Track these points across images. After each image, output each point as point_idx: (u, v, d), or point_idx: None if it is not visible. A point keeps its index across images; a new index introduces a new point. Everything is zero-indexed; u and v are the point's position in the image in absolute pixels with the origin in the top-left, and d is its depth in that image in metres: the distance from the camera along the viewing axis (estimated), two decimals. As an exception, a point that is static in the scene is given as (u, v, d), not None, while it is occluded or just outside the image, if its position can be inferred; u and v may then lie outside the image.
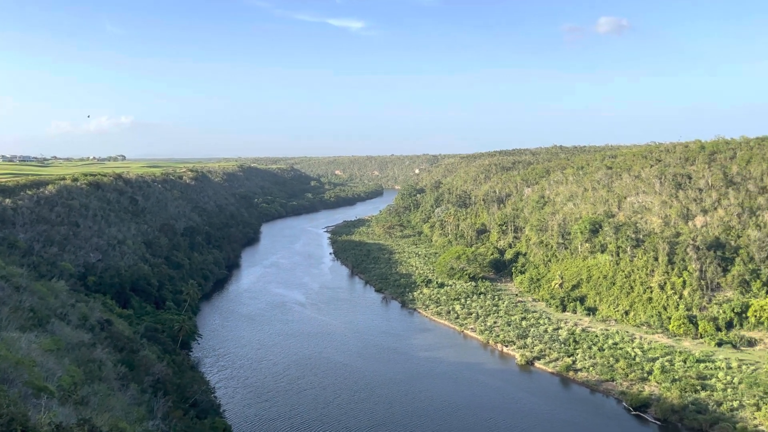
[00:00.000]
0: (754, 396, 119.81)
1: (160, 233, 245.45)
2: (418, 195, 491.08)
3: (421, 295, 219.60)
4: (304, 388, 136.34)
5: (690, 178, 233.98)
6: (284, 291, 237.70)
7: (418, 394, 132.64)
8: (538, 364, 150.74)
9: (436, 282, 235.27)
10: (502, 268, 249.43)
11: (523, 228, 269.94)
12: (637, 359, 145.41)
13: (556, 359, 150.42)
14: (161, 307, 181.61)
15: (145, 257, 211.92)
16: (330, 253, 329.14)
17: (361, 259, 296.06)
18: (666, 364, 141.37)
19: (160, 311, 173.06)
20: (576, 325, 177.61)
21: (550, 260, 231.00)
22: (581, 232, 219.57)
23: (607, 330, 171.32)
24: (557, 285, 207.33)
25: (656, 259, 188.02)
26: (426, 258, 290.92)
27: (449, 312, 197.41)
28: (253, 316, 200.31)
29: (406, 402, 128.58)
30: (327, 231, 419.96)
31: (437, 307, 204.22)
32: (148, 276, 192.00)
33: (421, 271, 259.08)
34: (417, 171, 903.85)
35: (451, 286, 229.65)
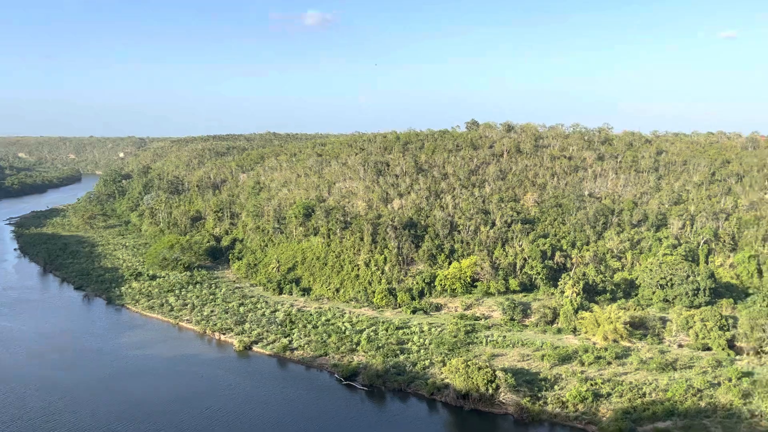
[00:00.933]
0: (441, 353, 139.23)
1: None
2: (123, 181, 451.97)
3: (130, 290, 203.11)
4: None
5: (388, 165, 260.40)
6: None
7: (128, 395, 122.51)
8: (256, 348, 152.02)
9: (147, 274, 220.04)
10: (219, 255, 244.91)
11: (240, 214, 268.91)
12: (347, 332, 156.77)
13: (274, 341, 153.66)
14: None
15: None
16: (15, 249, 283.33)
17: (55, 254, 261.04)
18: (371, 334, 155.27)
19: None
20: (292, 305, 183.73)
21: (266, 245, 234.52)
22: (295, 217, 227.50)
23: (320, 308, 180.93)
24: (274, 269, 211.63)
25: (362, 239, 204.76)
26: (135, 249, 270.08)
27: (162, 305, 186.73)
28: None
29: (113, 405, 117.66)
30: (10, 223, 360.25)
31: (149, 300, 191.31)
32: None
33: (130, 264, 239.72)
34: (122, 155, 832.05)
35: (164, 277, 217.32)
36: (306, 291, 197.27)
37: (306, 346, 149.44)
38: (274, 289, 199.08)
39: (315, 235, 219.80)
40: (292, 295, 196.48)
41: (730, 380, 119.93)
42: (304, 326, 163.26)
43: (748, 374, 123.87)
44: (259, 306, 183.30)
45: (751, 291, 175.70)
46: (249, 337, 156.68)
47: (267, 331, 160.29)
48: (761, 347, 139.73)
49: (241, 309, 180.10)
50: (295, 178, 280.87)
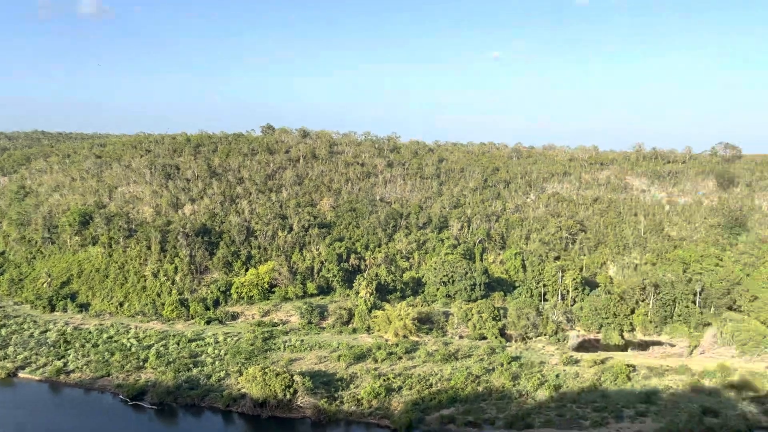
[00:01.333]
0: (238, 363, 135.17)
1: None
2: None
3: None
4: None
5: (178, 168, 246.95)
6: None
7: None
8: (23, 374, 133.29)
9: None
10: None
11: (0, 223, 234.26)
12: (133, 349, 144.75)
13: (45, 365, 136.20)
14: None
15: None
16: None
17: None
18: (161, 349, 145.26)
19: None
20: (67, 324, 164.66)
21: (35, 257, 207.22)
22: (70, 225, 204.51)
23: (101, 324, 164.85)
24: (44, 284, 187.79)
25: (149, 247, 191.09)
26: None
27: None
28: None
29: None
30: None
31: None
32: None
33: None
34: None
35: None
36: (84, 307, 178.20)
37: (84, 367, 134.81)
38: (44, 307, 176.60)
39: (94, 244, 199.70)
40: (66, 312, 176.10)
41: (502, 365, 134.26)
42: (82, 346, 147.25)
43: (516, 358, 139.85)
44: (25, 326, 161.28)
45: (517, 284, 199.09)
46: (13, 362, 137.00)
47: (36, 354, 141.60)
48: (526, 333, 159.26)
49: (3, 331, 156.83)
50: (69, 182, 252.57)
